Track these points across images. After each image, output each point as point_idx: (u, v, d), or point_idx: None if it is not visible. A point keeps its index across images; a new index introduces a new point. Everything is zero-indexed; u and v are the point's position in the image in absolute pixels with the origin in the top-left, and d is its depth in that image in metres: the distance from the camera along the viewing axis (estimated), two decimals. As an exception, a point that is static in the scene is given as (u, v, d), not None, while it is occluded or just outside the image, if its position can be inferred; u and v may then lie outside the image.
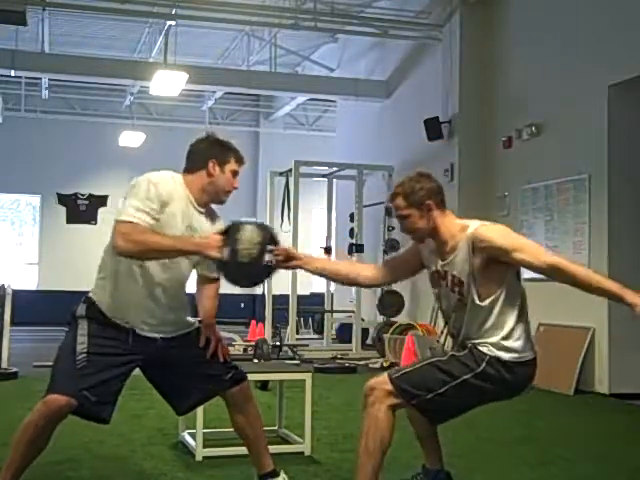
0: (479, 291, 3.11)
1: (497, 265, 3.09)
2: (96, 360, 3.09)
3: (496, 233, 3.13)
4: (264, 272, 3.17)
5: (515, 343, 3.13)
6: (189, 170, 3.29)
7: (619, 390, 7.32)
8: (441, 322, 3.39)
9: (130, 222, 3.01)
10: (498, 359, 3.10)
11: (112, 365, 3.14)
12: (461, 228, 3.18)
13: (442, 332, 3.36)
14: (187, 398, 3.40)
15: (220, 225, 3.29)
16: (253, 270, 3.11)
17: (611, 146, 7.55)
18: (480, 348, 3.13)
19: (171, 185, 3.18)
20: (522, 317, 3.18)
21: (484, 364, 3.10)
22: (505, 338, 3.12)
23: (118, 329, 3.16)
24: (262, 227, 3.17)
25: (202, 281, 3.49)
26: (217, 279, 3.45)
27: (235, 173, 3.32)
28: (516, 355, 3.12)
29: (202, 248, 3.05)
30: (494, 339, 3.12)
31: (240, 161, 3.34)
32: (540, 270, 3.04)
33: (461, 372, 3.10)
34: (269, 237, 3.14)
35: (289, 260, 3.24)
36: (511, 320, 3.13)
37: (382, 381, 3.15)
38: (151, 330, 3.22)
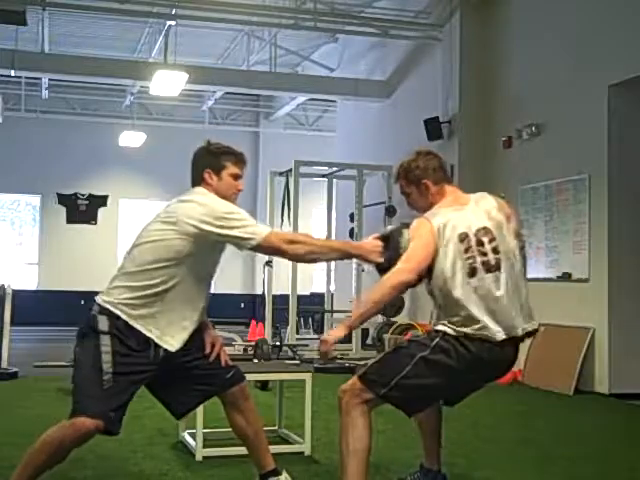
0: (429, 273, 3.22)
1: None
2: (121, 380, 3.06)
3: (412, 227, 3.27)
4: None
5: (462, 323, 3.12)
6: (194, 184, 3.33)
7: (619, 390, 7.32)
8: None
9: (270, 231, 3.11)
10: (449, 334, 3.14)
11: (134, 383, 3.13)
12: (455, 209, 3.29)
13: None
14: (186, 401, 3.38)
15: None
16: None
17: (611, 146, 7.55)
18: (436, 327, 3.21)
19: None
20: (465, 297, 3.14)
21: (438, 339, 3.15)
22: (453, 315, 3.14)
23: (138, 339, 3.10)
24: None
25: None
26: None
27: (236, 176, 3.32)
28: (460, 328, 3.11)
29: (365, 253, 3.24)
30: (447, 318, 3.16)
31: (239, 163, 3.34)
32: None
33: (418, 350, 3.15)
34: None
35: None
36: (453, 301, 3.14)
37: (352, 382, 3.21)
38: (174, 342, 3.18)
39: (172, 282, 3.11)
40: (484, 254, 3.18)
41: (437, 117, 9.80)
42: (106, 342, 3.07)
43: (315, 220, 16.15)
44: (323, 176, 11.69)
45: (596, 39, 7.75)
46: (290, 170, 10.57)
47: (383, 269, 3.22)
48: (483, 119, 9.56)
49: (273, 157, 16.07)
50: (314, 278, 15.63)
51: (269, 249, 3.16)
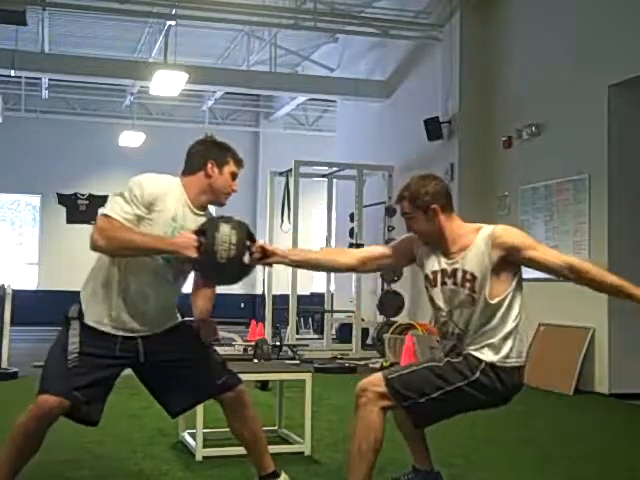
0: (491, 289, 3.13)
1: (509, 266, 3.14)
2: (87, 360, 3.08)
3: (514, 232, 3.22)
4: (241, 271, 3.13)
5: (512, 348, 3.14)
6: (187, 172, 3.28)
7: (619, 390, 7.32)
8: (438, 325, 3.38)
9: (108, 216, 3.03)
10: (492, 365, 3.12)
11: (102, 366, 3.13)
12: (474, 229, 3.24)
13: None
14: (178, 401, 3.36)
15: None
16: (230, 269, 3.09)
17: (611, 146, 7.55)
18: (475, 354, 3.14)
19: (163, 186, 3.18)
20: (519, 324, 3.20)
21: (478, 373, 3.12)
22: (503, 340, 3.13)
23: (105, 334, 3.15)
24: (239, 225, 3.12)
25: (198, 283, 3.46)
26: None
27: (234, 175, 3.30)
28: (508, 359, 3.13)
29: (178, 247, 3.02)
30: (492, 340, 3.13)
31: (239, 164, 3.33)
32: (554, 269, 3.13)
33: (456, 379, 3.12)
34: (246, 235, 3.12)
35: (266, 257, 3.22)
36: (510, 325, 3.16)
37: (374, 382, 3.15)
38: (138, 329, 3.19)
39: (118, 274, 3.14)
40: None
41: (437, 117, 9.80)
42: (75, 326, 3.14)
43: (315, 220, 16.15)
44: (323, 176, 11.69)
45: (596, 39, 7.75)
46: (290, 170, 10.57)
47: (198, 264, 3.07)
48: (483, 119, 9.55)
49: (273, 157, 16.07)
50: (314, 278, 15.62)
51: (93, 228, 3.07)
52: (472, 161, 9.56)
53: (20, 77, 14.39)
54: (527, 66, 8.91)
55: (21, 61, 11.10)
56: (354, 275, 10.99)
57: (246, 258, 3.10)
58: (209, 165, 3.24)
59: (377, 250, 3.57)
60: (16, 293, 7.88)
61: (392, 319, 10.40)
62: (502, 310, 3.14)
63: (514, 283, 3.17)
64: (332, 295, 12.03)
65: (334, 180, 11.72)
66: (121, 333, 3.17)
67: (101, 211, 3.07)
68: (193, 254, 2.99)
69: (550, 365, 7.82)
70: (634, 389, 7.27)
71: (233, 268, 3.09)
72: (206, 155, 3.26)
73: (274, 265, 3.36)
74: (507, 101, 9.23)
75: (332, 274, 11.77)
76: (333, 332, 11.66)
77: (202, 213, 3.27)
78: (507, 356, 3.14)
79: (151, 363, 3.25)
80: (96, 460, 4.27)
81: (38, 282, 17.40)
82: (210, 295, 3.42)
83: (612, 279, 3.11)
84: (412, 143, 10.44)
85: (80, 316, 3.16)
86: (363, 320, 11.00)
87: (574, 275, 3.12)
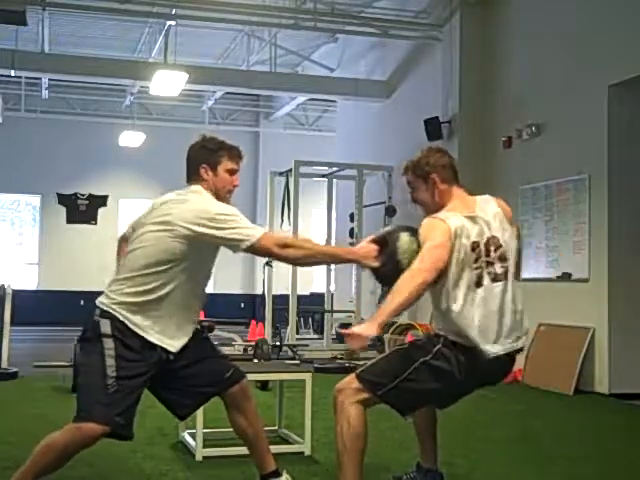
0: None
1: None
2: (125, 384, 3.05)
3: (426, 226, 3.19)
4: None
5: (465, 331, 3.12)
6: (189, 180, 3.31)
7: (619, 390, 7.31)
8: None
9: (265, 233, 3.07)
10: (451, 340, 3.15)
11: (139, 386, 3.12)
12: (445, 210, 3.27)
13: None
14: (188, 403, 3.37)
15: None
16: None
17: (611, 146, 7.55)
18: (436, 332, 3.22)
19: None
20: (462, 309, 3.14)
21: (440, 345, 3.16)
22: (454, 324, 3.13)
23: (138, 344, 3.10)
24: (414, 234, 3.20)
25: None
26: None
27: (232, 171, 3.30)
28: (468, 340, 3.12)
29: (360, 257, 3.17)
30: (445, 324, 3.17)
31: (235, 157, 3.31)
32: None
33: (420, 355, 3.16)
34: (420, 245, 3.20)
35: None
36: (459, 309, 3.12)
37: (348, 381, 3.20)
38: (174, 343, 3.18)
39: (169, 286, 3.10)
40: (491, 264, 3.18)
41: (437, 117, 9.80)
42: (109, 346, 3.05)
43: (315, 220, 16.15)
44: (323, 176, 11.68)
45: (596, 39, 7.75)
46: (290, 170, 10.57)
47: (379, 273, 3.19)
48: (483, 119, 9.55)
49: (273, 157, 16.08)
50: (314, 278, 15.63)
51: (261, 251, 3.12)
52: (472, 161, 9.55)
53: (20, 77, 14.40)
54: (527, 66, 8.91)
55: (21, 61, 11.10)
56: (354, 275, 10.99)
57: None
58: (202, 170, 3.26)
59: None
60: (16, 293, 7.88)
61: (392, 319, 10.39)
62: (444, 294, 3.13)
63: (453, 269, 3.12)
64: (332, 295, 12.03)
65: (334, 180, 11.72)
66: (161, 345, 3.14)
67: (253, 232, 3.05)
68: (373, 264, 3.13)
69: (550, 365, 7.83)
70: (634, 389, 7.27)
71: None
72: (197, 160, 3.29)
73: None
74: (507, 101, 9.23)
75: (332, 274, 11.78)
76: (333, 332, 11.65)
77: None
78: (456, 335, 3.14)
79: (167, 368, 3.22)
80: (96, 460, 4.27)
81: (38, 282, 17.40)
82: None
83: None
84: (412, 143, 10.39)
85: (114, 333, 3.07)
86: (363, 320, 10.99)
87: None
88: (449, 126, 9.77)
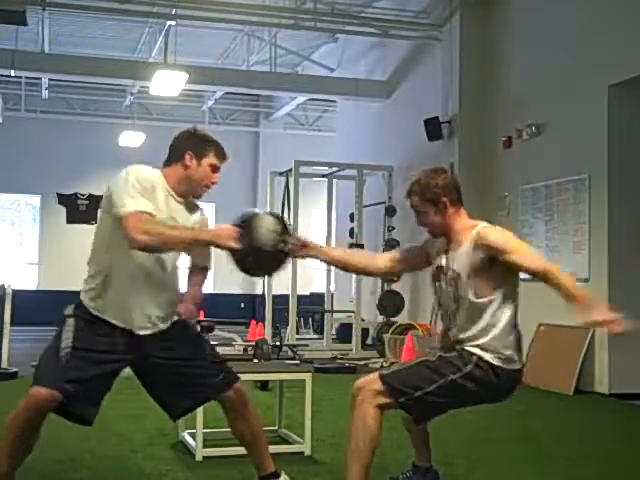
0: (476, 288, 3.15)
1: (496, 267, 3.14)
2: (81, 355, 3.07)
3: (497, 234, 3.20)
4: (281, 260, 3.16)
5: (505, 349, 3.17)
6: (168, 162, 3.29)
7: (619, 390, 7.31)
8: (440, 322, 3.42)
9: (137, 212, 2.95)
10: (485, 361, 3.14)
11: (98, 361, 3.11)
12: (470, 226, 3.28)
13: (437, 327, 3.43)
14: (179, 403, 3.35)
15: (198, 216, 3.30)
16: (271, 258, 3.12)
17: (611, 146, 7.55)
18: (468, 349, 3.17)
19: (152, 177, 3.17)
20: (514, 326, 3.22)
21: (471, 365, 3.14)
22: (495, 340, 3.15)
23: (108, 326, 3.14)
24: (276, 216, 3.19)
25: (192, 270, 3.47)
26: (206, 268, 3.46)
27: (214, 168, 3.27)
28: (504, 361, 3.16)
29: (218, 239, 3.02)
30: (484, 340, 3.15)
31: (221, 156, 3.29)
32: (532, 273, 3.14)
33: (449, 371, 3.14)
34: (284, 226, 3.15)
35: (302, 249, 3.25)
36: (503, 325, 3.17)
37: (370, 381, 3.18)
38: (142, 324, 3.17)
39: (111, 268, 3.12)
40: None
41: (437, 117, 9.80)
42: (70, 323, 3.15)
43: (315, 220, 16.14)
44: (323, 176, 11.69)
45: (596, 39, 7.75)
46: (290, 170, 10.58)
47: (238, 255, 3.07)
48: (483, 119, 9.55)
49: (273, 157, 16.07)
50: (314, 278, 15.63)
51: (124, 230, 2.97)
52: (472, 161, 9.56)
53: (20, 77, 14.38)
54: (527, 66, 8.91)
55: (21, 61, 11.10)
56: (354, 275, 10.98)
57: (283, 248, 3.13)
58: (187, 156, 3.23)
59: (401, 252, 3.62)
60: (16, 293, 7.88)
61: (392, 319, 10.40)
62: (491, 310, 3.15)
63: (505, 284, 3.18)
64: (332, 295, 12.03)
65: (334, 180, 11.73)
66: (122, 325, 3.14)
67: (123, 209, 2.96)
68: (235, 245, 3.00)
69: (550, 365, 7.82)
70: (634, 389, 7.27)
71: (273, 257, 3.11)
72: (184, 146, 3.26)
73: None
74: (507, 101, 9.23)
75: (332, 274, 11.79)
76: (333, 332, 11.66)
77: (183, 201, 3.26)
78: (500, 356, 3.16)
79: (152, 362, 3.23)
80: (96, 460, 4.27)
81: (38, 282, 17.39)
82: (200, 281, 3.47)
83: (577, 293, 3.11)
84: (412, 143, 10.43)
85: (76, 313, 3.16)
86: (363, 320, 11.00)
87: (546, 280, 3.13)
88: (449, 126, 9.76)
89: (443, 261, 3.28)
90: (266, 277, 3.33)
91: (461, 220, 3.30)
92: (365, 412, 3.10)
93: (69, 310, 3.19)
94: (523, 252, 3.17)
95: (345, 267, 3.60)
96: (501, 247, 3.13)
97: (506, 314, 3.17)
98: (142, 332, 3.17)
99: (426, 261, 3.45)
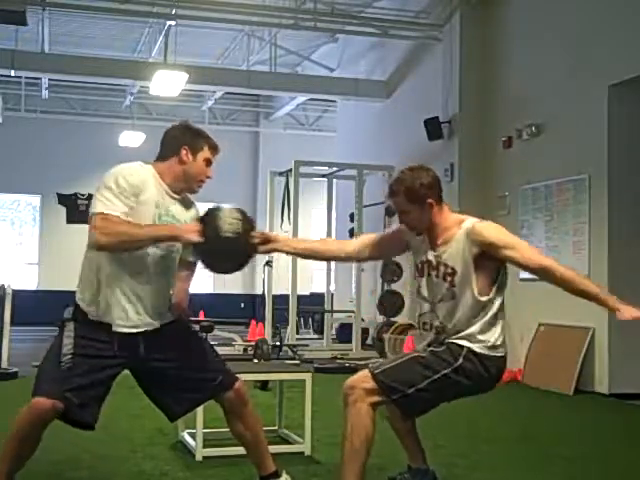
0: (477, 285, 3.17)
1: (491, 262, 3.18)
2: (81, 362, 3.06)
3: (492, 230, 3.22)
4: (245, 252, 3.15)
5: (490, 336, 3.19)
6: (161, 158, 3.26)
7: (619, 390, 7.31)
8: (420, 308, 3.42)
9: (103, 214, 3.00)
10: (474, 353, 3.16)
11: (97, 367, 3.10)
12: (457, 221, 3.27)
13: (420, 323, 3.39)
14: (177, 405, 3.34)
15: (195, 211, 3.29)
16: (235, 248, 3.11)
17: (611, 146, 7.54)
18: (456, 342, 3.19)
19: (142, 175, 3.15)
20: (502, 315, 3.25)
21: (461, 359, 3.16)
22: (482, 328, 3.18)
23: (104, 331, 3.12)
24: (238, 208, 3.18)
25: (180, 265, 3.43)
26: (193, 263, 3.43)
27: (209, 162, 3.27)
28: (490, 348, 3.19)
29: (181, 233, 3.05)
30: (471, 330, 3.18)
31: (214, 150, 3.29)
32: (530, 269, 3.16)
33: (440, 367, 3.16)
34: (247, 219, 3.14)
35: (266, 243, 3.26)
36: (492, 314, 3.21)
37: (361, 379, 3.18)
38: (136, 324, 3.15)
39: (101, 270, 3.12)
40: None
41: (437, 117, 9.80)
42: (70, 327, 3.14)
43: (315, 220, 16.15)
44: (323, 176, 11.69)
45: (596, 39, 7.75)
46: (290, 170, 10.57)
47: (202, 249, 3.09)
48: (483, 119, 9.55)
49: (273, 157, 16.08)
50: (314, 278, 15.63)
51: (90, 231, 3.05)
52: (472, 161, 9.56)
53: (20, 77, 14.40)
54: (527, 66, 8.91)
55: (21, 61, 11.11)
56: (354, 275, 10.98)
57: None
58: (183, 151, 3.21)
59: (371, 238, 3.59)
60: (16, 293, 7.87)
61: (392, 319, 10.40)
62: (489, 307, 3.20)
63: (499, 278, 3.22)
64: (332, 295, 12.03)
65: (334, 180, 11.73)
66: (120, 329, 3.13)
67: (92, 211, 3.04)
68: (196, 238, 3.01)
69: (550, 365, 7.82)
70: (634, 389, 7.27)
71: (237, 247, 3.11)
72: (180, 140, 3.23)
73: (273, 259, 3.41)
74: (507, 101, 9.23)
75: (332, 274, 11.79)
76: (333, 332, 11.66)
77: (179, 197, 3.26)
78: (489, 345, 3.19)
79: (150, 364, 3.22)
80: (96, 460, 4.27)
81: (38, 282, 17.40)
82: (186, 277, 3.43)
83: (584, 285, 3.14)
84: (412, 143, 10.42)
85: (75, 317, 3.15)
86: (363, 320, 11.00)
87: (546, 276, 3.16)
88: (449, 126, 9.76)
89: (430, 256, 3.28)
90: (234, 272, 3.27)
91: (446, 216, 3.29)
92: (359, 411, 3.11)
93: (68, 314, 3.18)
94: (519, 248, 3.19)
95: (314, 257, 3.63)
96: (496, 243, 3.15)
97: (495, 304, 3.21)
98: (136, 330, 3.15)
99: (402, 249, 3.49)
